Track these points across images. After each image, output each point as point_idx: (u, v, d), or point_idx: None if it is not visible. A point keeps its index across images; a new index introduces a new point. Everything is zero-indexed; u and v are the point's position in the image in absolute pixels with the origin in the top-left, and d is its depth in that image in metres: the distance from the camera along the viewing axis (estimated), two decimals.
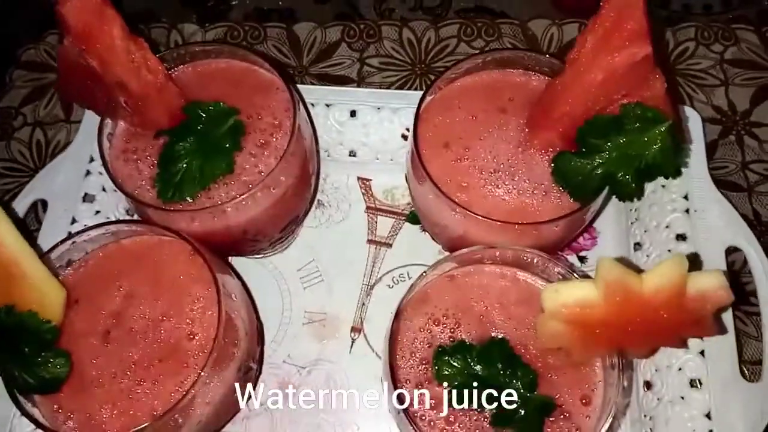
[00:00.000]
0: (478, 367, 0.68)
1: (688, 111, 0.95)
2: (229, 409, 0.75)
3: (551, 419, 0.67)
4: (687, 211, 0.89)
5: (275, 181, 0.73)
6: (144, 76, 0.70)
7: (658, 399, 0.83)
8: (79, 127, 1.00)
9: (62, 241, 0.69)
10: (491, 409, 0.67)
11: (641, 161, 0.68)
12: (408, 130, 0.98)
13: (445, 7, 1.22)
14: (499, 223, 0.69)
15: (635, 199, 0.88)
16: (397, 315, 0.70)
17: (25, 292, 0.61)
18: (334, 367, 0.92)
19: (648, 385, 0.85)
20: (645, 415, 0.84)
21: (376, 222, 1.01)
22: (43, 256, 0.65)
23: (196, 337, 0.69)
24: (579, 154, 0.70)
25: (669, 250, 0.88)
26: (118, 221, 0.74)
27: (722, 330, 0.77)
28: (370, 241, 0.99)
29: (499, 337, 0.71)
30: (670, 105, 0.68)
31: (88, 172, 0.94)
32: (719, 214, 0.90)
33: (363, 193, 1.02)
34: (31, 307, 0.61)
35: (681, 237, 0.88)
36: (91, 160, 0.95)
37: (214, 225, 0.72)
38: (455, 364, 0.69)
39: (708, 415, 0.79)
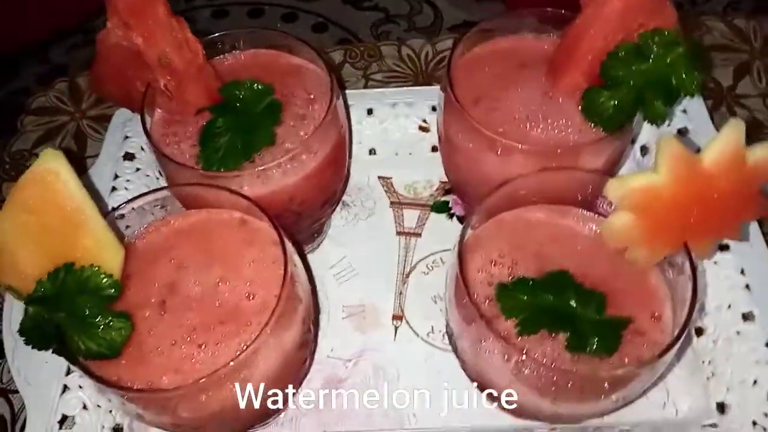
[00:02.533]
0: (544, 297, 0.68)
1: None
2: (286, 379, 0.71)
3: (627, 338, 0.66)
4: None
5: (318, 143, 0.75)
6: (185, 54, 0.73)
7: (713, 341, 0.83)
8: (94, 161, 1.01)
9: (115, 209, 0.68)
10: (565, 336, 0.66)
11: (666, 83, 0.72)
12: (425, 121, 1.02)
13: (437, 26, 1.30)
14: (541, 151, 0.71)
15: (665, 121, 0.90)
16: (457, 257, 0.69)
17: (86, 243, 0.59)
18: (381, 356, 0.89)
19: (699, 331, 0.85)
20: (703, 361, 0.83)
21: (402, 215, 1.02)
22: (106, 215, 0.63)
23: (256, 297, 0.67)
24: (607, 87, 0.74)
25: None
26: (176, 185, 0.73)
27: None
28: (399, 233, 1.00)
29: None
30: (681, 33, 0.73)
31: (113, 188, 0.94)
32: None
33: (386, 191, 1.04)
34: (91, 263, 0.59)
35: None
36: (116, 177, 0.96)
37: (262, 191, 0.72)
38: (519, 297, 0.68)
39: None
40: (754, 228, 0.88)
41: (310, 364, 0.81)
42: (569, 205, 0.74)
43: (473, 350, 0.67)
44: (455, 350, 0.73)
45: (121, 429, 0.81)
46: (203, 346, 0.64)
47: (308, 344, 0.72)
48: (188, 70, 0.74)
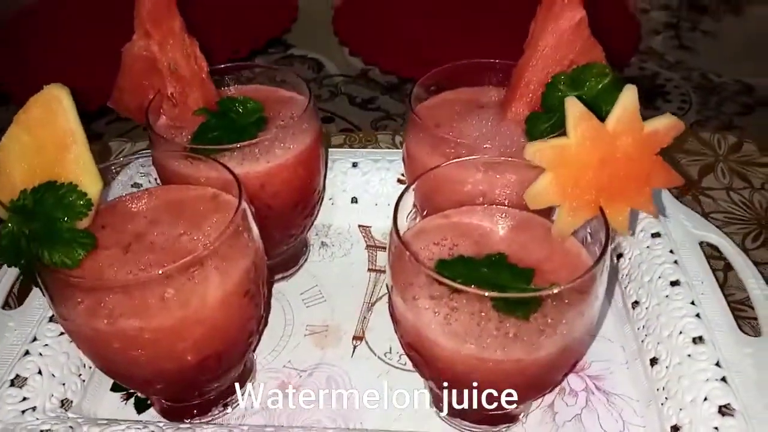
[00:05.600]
0: (479, 271, 0.72)
1: None
2: (231, 329, 0.74)
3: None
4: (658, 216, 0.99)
5: (292, 138, 0.85)
6: (192, 65, 0.88)
7: (666, 367, 0.82)
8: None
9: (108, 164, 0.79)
10: (493, 297, 0.68)
11: (596, 108, 0.82)
12: (402, 175, 1.13)
13: None
14: (488, 156, 0.80)
15: None
16: (398, 239, 0.74)
17: (70, 165, 0.67)
18: (335, 370, 0.90)
19: (653, 361, 0.85)
20: (658, 389, 0.82)
21: (375, 256, 1.08)
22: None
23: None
24: (545, 113, 0.85)
25: (647, 247, 0.95)
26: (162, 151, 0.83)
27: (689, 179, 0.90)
28: (370, 270, 1.05)
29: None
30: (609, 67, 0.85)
31: None
32: (686, 217, 1.00)
33: (363, 236, 1.11)
34: (71, 182, 0.68)
35: (656, 234, 0.96)
36: None
37: (236, 170, 0.81)
38: (457, 269, 0.72)
39: (718, 364, 0.78)
40: (709, 277, 0.91)
41: (260, 331, 0.83)
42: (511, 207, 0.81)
43: (408, 306, 0.70)
44: (392, 315, 0.76)
45: (71, 403, 0.82)
46: None
47: (254, 299, 0.75)
48: (193, 80, 0.89)
